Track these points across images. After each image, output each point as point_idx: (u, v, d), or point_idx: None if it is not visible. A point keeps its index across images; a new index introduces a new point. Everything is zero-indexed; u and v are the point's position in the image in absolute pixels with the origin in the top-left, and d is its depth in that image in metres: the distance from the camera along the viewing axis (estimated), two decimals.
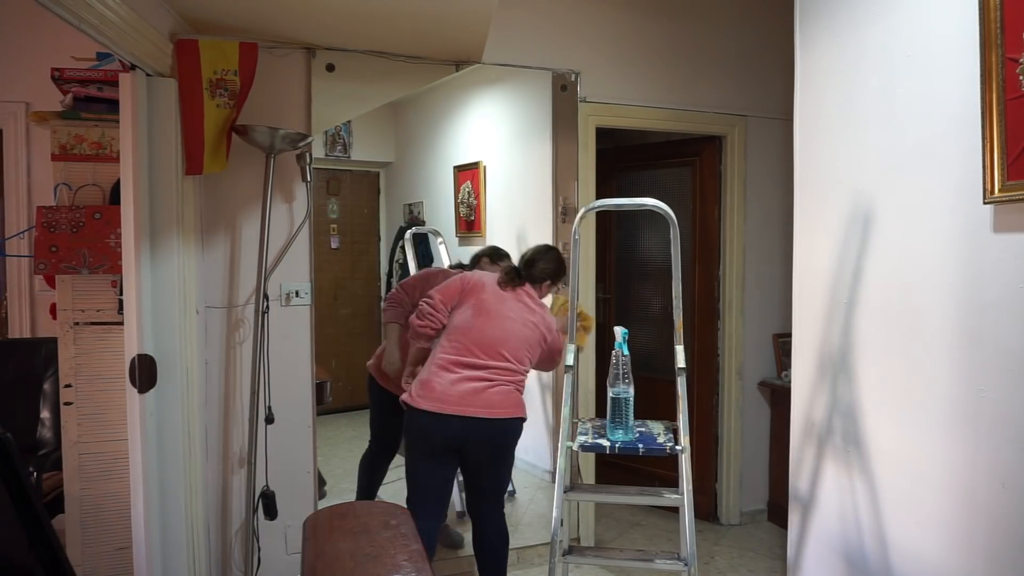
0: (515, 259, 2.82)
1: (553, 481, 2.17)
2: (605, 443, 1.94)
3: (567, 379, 2.03)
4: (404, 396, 2.37)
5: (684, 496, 1.88)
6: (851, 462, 2.14)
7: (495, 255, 2.97)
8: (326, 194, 5.00)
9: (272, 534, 2.66)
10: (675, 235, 2.02)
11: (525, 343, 2.41)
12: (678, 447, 1.90)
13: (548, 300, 2.74)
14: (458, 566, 2.99)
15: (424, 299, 2.47)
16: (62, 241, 2.26)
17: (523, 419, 2.38)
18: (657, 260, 3.80)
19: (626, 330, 1.95)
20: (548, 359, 2.55)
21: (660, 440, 1.97)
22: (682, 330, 2.05)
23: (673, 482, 1.96)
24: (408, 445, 2.42)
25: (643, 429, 2.09)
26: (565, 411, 1.98)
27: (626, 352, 1.93)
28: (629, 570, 2.98)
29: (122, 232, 2.19)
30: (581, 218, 2.07)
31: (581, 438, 2.00)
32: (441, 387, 2.29)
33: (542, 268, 2.52)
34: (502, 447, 2.37)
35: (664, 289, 3.76)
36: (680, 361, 1.99)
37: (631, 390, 1.94)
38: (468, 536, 3.25)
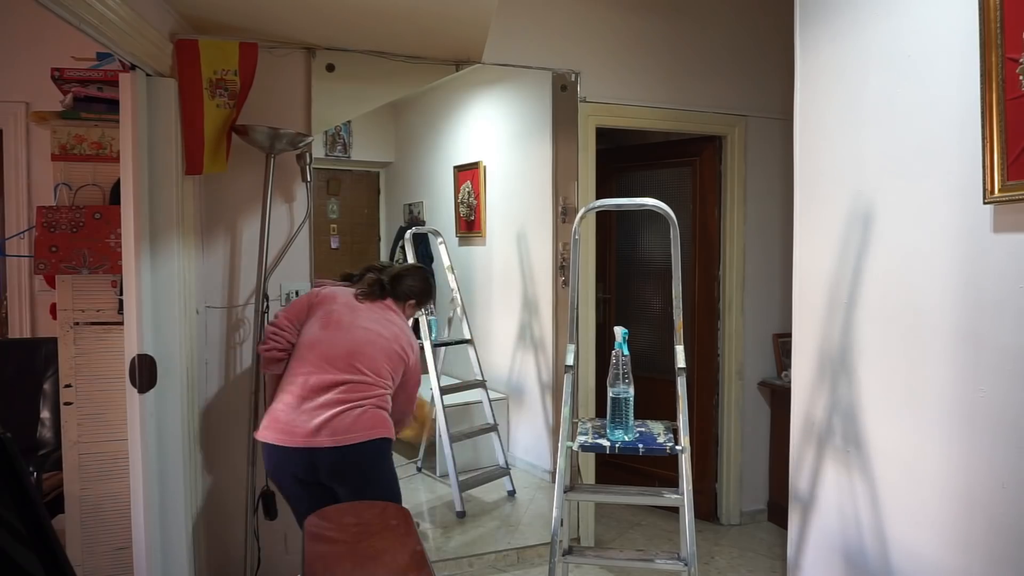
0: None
1: (553, 481, 2.17)
2: (605, 443, 1.94)
3: (567, 379, 2.03)
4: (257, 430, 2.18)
5: (684, 496, 1.88)
6: (851, 462, 2.14)
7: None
8: (326, 194, 4.99)
9: (272, 534, 2.66)
10: (675, 235, 2.02)
11: (384, 354, 2.21)
12: (678, 447, 1.90)
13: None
14: (457, 566, 2.99)
15: (269, 322, 2.31)
16: (62, 241, 2.26)
17: (384, 439, 2.14)
18: (657, 260, 3.80)
19: (626, 330, 1.95)
20: (404, 390, 2.31)
21: (660, 440, 1.97)
22: (682, 330, 2.05)
23: (673, 482, 1.96)
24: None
25: (643, 429, 2.09)
26: (565, 411, 1.98)
27: (626, 352, 1.93)
28: (629, 570, 2.98)
29: (122, 232, 2.19)
30: (581, 218, 2.07)
31: (581, 438, 2.00)
32: (287, 417, 2.09)
33: (409, 285, 2.39)
34: (362, 471, 2.11)
35: (664, 289, 3.76)
36: (680, 361, 1.99)
37: (631, 390, 1.94)
38: (465, 537, 3.25)
